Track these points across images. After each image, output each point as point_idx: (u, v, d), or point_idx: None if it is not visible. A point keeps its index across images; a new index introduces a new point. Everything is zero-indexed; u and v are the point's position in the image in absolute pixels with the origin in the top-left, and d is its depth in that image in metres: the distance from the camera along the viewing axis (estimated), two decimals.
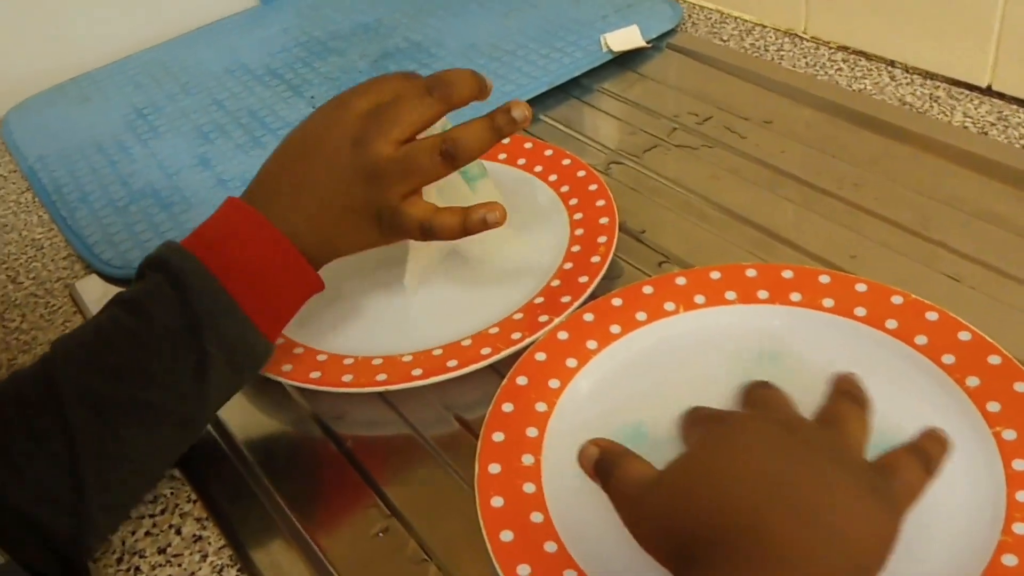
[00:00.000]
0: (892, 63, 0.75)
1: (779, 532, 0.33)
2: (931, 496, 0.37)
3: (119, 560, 0.49)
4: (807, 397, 0.41)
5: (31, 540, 0.45)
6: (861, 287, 0.53)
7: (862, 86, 0.73)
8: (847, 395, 0.40)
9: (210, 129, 0.82)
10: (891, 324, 0.51)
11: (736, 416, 0.40)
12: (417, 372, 0.54)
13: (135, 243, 0.70)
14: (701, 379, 0.51)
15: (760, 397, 0.41)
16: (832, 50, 0.78)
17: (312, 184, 0.51)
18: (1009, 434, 0.44)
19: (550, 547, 0.44)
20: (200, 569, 0.47)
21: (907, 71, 0.74)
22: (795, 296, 0.54)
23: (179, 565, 0.48)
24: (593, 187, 0.65)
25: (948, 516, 0.41)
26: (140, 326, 0.47)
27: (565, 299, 0.56)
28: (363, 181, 0.51)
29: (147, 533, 0.50)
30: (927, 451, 0.37)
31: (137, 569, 0.48)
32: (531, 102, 0.78)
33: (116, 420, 0.46)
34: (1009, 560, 0.39)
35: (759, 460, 0.35)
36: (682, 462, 0.37)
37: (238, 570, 0.47)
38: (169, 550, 0.49)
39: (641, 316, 0.55)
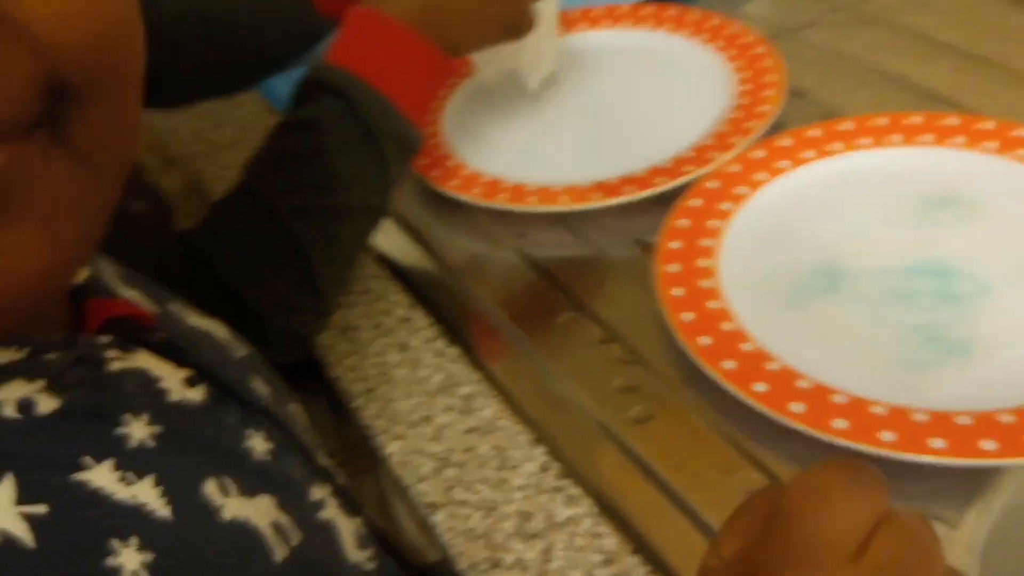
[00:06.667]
0: None
1: None
2: None
3: (340, 333, 0.57)
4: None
5: (276, 341, 0.53)
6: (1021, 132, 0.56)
7: None
8: None
9: None
10: None
11: None
12: (597, 195, 0.60)
13: None
14: (872, 216, 0.55)
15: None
16: None
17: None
18: None
19: (727, 326, 0.49)
20: (411, 340, 0.55)
21: None
22: (959, 140, 0.57)
23: (391, 336, 0.55)
24: (760, 50, 0.69)
25: None
26: (324, 142, 0.54)
27: (735, 139, 0.61)
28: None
29: (361, 316, 0.57)
30: None
31: (355, 340, 0.56)
32: None
33: (333, 226, 0.54)
34: None
35: None
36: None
37: (447, 340, 0.54)
38: (382, 327, 0.56)
39: (809, 154, 0.59)
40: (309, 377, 0.57)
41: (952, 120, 0.58)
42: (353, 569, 0.37)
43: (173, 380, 0.35)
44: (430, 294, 0.58)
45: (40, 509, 0.26)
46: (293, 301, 0.54)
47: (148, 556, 0.28)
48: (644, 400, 0.48)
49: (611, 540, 0.42)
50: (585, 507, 0.44)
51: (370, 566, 0.39)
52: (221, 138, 0.78)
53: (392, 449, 0.49)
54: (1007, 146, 0.56)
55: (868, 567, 0.27)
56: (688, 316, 0.50)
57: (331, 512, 0.38)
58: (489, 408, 0.50)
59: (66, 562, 0.26)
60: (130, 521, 0.28)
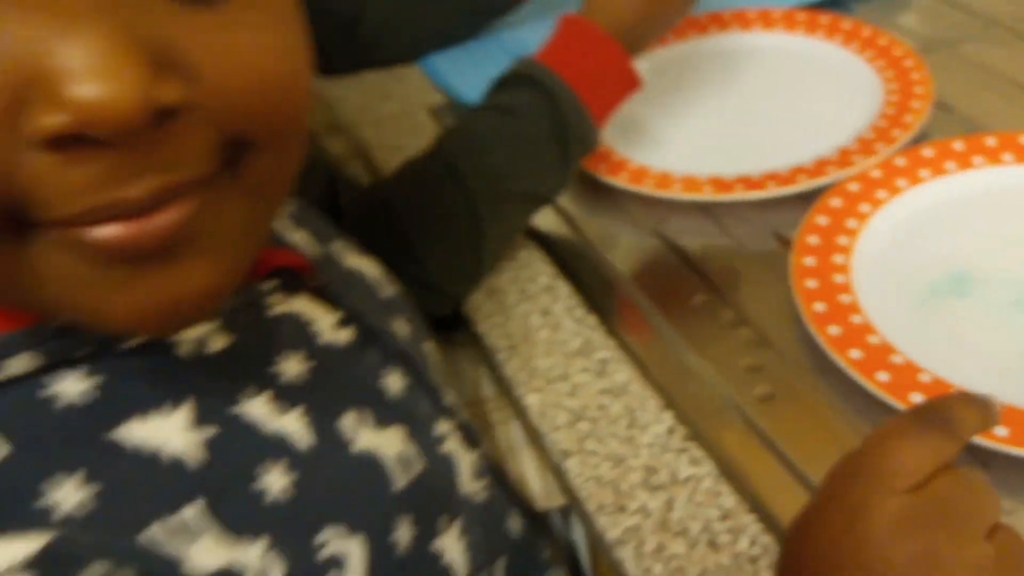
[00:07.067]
0: None
1: None
2: None
3: (488, 295, 0.62)
4: None
5: (430, 294, 0.58)
6: None
7: None
8: None
9: None
10: None
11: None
12: (740, 187, 0.63)
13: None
14: (1008, 229, 0.57)
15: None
16: None
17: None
18: None
19: (856, 319, 0.52)
20: (553, 306, 0.60)
21: None
22: None
23: (534, 301, 0.60)
24: (909, 62, 0.71)
25: None
26: (520, 130, 0.60)
27: (879, 146, 0.63)
28: None
29: (509, 281, 0.63)
30: None
31: (502, 302, 0.61)
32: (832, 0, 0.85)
33: (508, 207, 0.60)
34: None
35: None
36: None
37: (586, 309, 0.59)
38: (527, 292, 0.61)
39: (950, 166, 0.61)
40: (455, 330, 0.62)
41: None
42: (466, 499, 0.42)
43: (325, 323, 0.40)
44: (573, 267, 0.63)
45: (208, 432, 0.32)
46: (456, 264, 0.59)
47: (293, 477, 0.33)
48: (769, 380, 0.52)
49: (729, 499, 0.46)
50: (707, 468, 0.48)
51: (483, 496, 0.43)
52: (386, 111, 0.84)
53: (531, 401, 0.54)
54: None
55: (921, 498, 0.33)
56: (820, 306, 0.53)
57: (452, 446, 0.43)
58: (622, 373, 0.54)
59: (225, 478, 0.32)
60: (279, 447, 0.34)
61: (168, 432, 0.32)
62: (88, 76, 0.24)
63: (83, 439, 0.30)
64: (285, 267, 0.41)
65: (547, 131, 0.59)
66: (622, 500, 0.47)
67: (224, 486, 0.32)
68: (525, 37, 0.89)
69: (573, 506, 0.50)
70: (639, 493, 0.47)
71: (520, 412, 0.55)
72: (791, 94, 0.73)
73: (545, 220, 0.67)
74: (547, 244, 0.65)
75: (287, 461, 0.34)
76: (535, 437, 0.53)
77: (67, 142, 0.25)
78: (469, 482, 0.43)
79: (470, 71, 0.86)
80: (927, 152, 0.62)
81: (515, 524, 0.45)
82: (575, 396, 0.53)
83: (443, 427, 0.43)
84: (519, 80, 0.61)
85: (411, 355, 0.44)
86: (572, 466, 0.49)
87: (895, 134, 0.64)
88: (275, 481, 0.33)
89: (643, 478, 0.48)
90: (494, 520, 0.44)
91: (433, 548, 0.37)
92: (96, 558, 0.27)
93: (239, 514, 0.31)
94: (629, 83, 0.62)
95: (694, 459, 0.48)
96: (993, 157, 0.61)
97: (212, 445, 0.32)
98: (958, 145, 0.62)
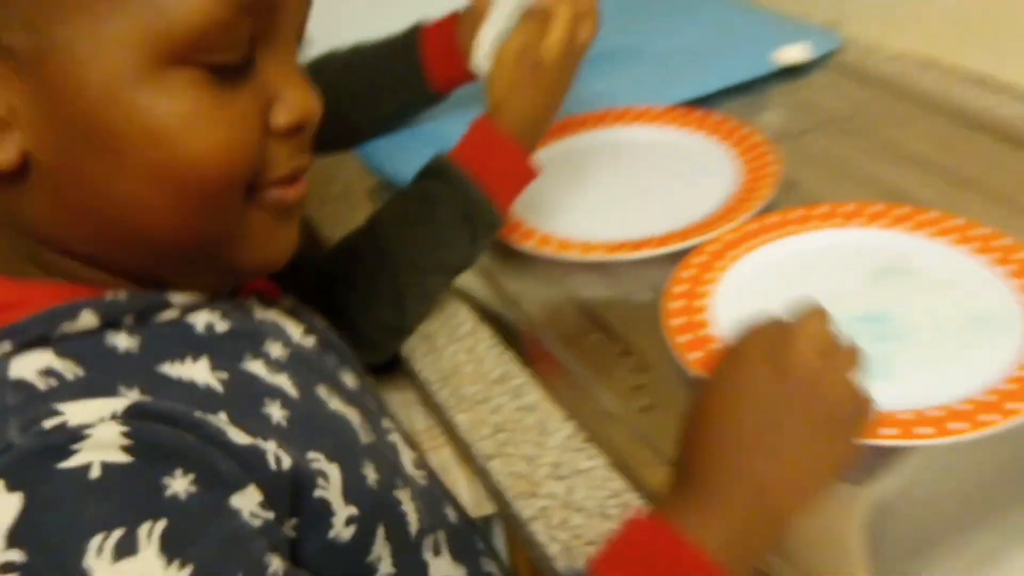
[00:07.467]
0: (1014, 86, 0.94)
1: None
2: None
3: (422, 339, 0.74)
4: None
5: (365, 345, 0.70)
6: (959, 221, 0.73)
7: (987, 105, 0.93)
8: None
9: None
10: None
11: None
12: (625, 249, 0.77)
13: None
14: (835, 276, 0.72)
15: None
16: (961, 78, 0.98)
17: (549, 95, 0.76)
18: None
19: (713, 346, 0.66)
20: (477, 346, 0.72)
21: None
22: (908, 224, 0.74)
23: (461, 342, 0.73)
24: (763, 148, 0.87)
25: None
26: (435, 214, 0.72)
27: (735, 215, 0.79)
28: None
29: (439, 327, 0.75)
30: None
31: (433, 344, 0.73)
32: (703, 99, 1.01)
33: (426, 275, 0.72)
34: None
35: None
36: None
37: (503, 347, 0.71)
38: (454, 335, 0.74)
39: (792, 229, 0.77)
40: (394, 374, 0.74)
41: (904, 209, 0.76)
42: (411, 478, 0.54)
43: (294, 330, 0.54)
44: (493, 315, 0.76)
45: (223, 375, 0.45)
46: (384, 321, 0.71)
47: (287, 413, 0.46)
48: (649, 396, 0.65)
49: (618, 483, 0.58)
50: (600, 462, 0.60)
51: (423, 482, 0.56)
52: (329, 192, 0.97)
53: (460, 419, 0.66)
54: (943, 232, 0.73)
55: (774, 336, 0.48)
56: (685, 338, 0.67)
57: (395, 438, 0.56)
58: (533, 395, 0.66)
59: (240, 404, 0.44)
60: (275, 392, 0.47)
61: (195, 371, 0.44)
62: (309, 96, 0.45)
63: (135, 370, 0.42)
64: (260, 291, 0.54)
65: (457, 216, 0.72)
66: (534, 488, 0.59)
67: (239, 407, 0.44)
68: (446, 128, 1.04)
69: (496, 499, 0.62)
70: (548, 482, 0.59)
71: (451, 430, 0.67)
72: (667, 174, 0.89)
73: (469, 279, 0.80)
74: (471, 297, 0.78)
75: (281, 401, 0.46)
76: (464, 448, 0.65)
77: (288, 132, 0.44)
78: (411, 468, 0.55)
79: (400, 157, 0.99)
80: (774, 219, 0.78)
81: (451, 513, 0.57)
82: (496, 413, 0.65)
83: (387, 423, 0.56)
84: (435, 173, 0.74)
85: (359, 368, 0.56)
86: (495, 465, 0.61)
87: (749, 205, 0.80)
88: (275, 412, 0.46)
89: (550, 471, 0.60)
90: (434, 501, 0.56)
91: (393, 496, 0.49)
92: (164, 422, 0.38)
93: (253, 426, 0.43)
94: (527, 175, 0.75)
95: (590, 456, 0.61)
96: (825, 222, 0.77)
97: (226, 383, 0.45)
98: (797, 213, 0.78)
